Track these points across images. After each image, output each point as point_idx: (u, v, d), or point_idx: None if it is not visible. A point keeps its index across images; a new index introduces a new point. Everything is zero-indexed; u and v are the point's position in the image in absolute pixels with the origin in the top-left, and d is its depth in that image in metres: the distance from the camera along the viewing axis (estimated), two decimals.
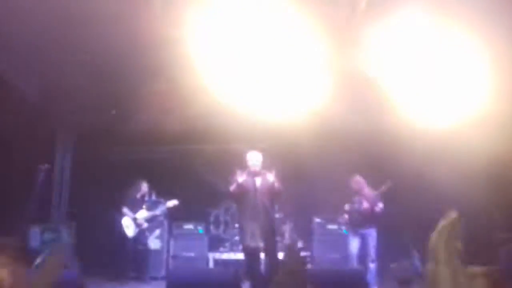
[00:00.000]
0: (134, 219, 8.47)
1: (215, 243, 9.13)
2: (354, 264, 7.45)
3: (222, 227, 9.30)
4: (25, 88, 7.63)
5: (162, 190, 9.16)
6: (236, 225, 8.42)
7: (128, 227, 8.43)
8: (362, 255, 7.44)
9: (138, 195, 8.63)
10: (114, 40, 6.37)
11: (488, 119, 6.34)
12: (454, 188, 7.29)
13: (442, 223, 1.97)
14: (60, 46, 6.61)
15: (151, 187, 8.68)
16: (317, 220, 8.89)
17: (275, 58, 6.46)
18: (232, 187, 6.65)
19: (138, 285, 8.03)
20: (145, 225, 8.51)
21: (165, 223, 9.09)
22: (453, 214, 2.01)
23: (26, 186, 7.76)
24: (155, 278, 8.34)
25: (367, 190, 7.59)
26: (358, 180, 7.67)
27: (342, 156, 8.20)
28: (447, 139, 6.77)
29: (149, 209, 8.58)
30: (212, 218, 9.37)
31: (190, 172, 8.59)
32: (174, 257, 8.84)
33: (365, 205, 7.45)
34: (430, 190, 7.88)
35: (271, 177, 6.64)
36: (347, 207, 7.69)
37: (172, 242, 8.98)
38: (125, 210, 8.48)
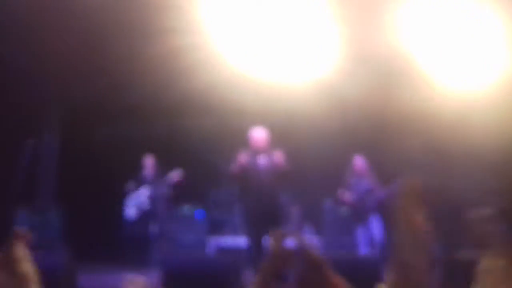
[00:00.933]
0: (138, 200, 8.29)
1: (215, 226, 8.94)
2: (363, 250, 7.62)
3: (222, 209, 9.07)
4: (10, 60, 7.33)
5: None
6: (238, 207, 8.12)
7: (130, 208, 8.25)
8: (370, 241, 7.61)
9: (144, 172, 8.38)
10: (105, 9, 6.19)
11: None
12: (467, 169, 7.39)
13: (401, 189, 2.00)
14: (50, 16, 6.40)
15: (158, 162, 8.39)
16: (328, 202, 8.56)
17: (277, 30, 6.49)
18: (233, 168, 6.44)
19: (133, 271, 7.69)
20: (148, 206, 8.27)
21: (163, 204, 8.73)
22: (413, 179, 2.03)
23: (12, 164, 7.49)
24: (150, 264, 8.06)
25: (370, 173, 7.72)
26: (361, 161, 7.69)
27: (352, 134, 8.04)
28: (463, 115, 6.81)
29: (154, 187, 8.28)
30: (212, 199, 9.15)
31: (188, 150, 8.41)
32: (171, 240, 8.54)
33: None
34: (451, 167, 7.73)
35: (277, 156, 6.41)
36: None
37: (169, 225, 8.67)
38: (130, 186, 8.26)
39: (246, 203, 6.67)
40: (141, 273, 7.20)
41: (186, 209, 8.86)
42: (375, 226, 7.55)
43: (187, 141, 7.92)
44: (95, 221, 8.23)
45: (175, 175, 8.10)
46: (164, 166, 8.28)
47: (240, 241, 7.66)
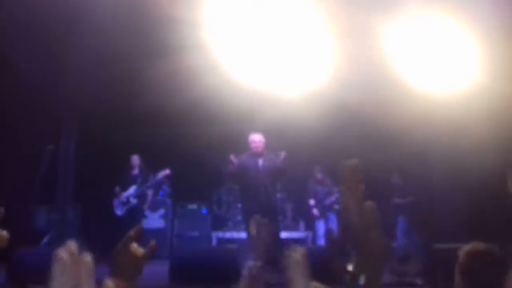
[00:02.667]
0: (124, 197, 8.27)
1: (218, 223, 9.23)
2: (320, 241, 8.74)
3: (224, 207, 9.35)
4: (30, 70, 7.62)
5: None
6: (239, 205, 8.56)
7: (117, 206, 8.26)
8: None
9: (133, 172, 8.41)
10: (119, 21, 6.40)
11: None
12: (457, 169, 7.48)
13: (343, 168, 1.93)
14: (66, 28, 6.62)
15: (143, 161, 8.47)
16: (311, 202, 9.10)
17: (277, 40, 6.67)
18: (229, 168, 6.74)
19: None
20: (134, 201, 8.25)
21: (169, 203, 9.19)
22: (353, 163, 1.94)
23: (32, 167, 7.87)
24: (159, 257, 8.43)
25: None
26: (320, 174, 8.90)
27: (345, 138, 8.24)
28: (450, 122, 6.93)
29: (140, 184, 8.30)
30: (214, 198, 9.43)
31: (193, 154, 8.62)
32: (178, 236, 8.95)
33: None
34: (432, 171, 8.04)
35: (278, 157, 6.72)
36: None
37: (176, 222, 9.08)
38: (117, 189, 8.30)
39: (246, 201, 6.95)
40: (151, 264, 7.77)
41: (192, 207, 9.22)
42: (332, 222, 8.78)
43: (193, 146, 8.11)
44: (107, 218, 8.41)
45: (162, 173, 8.19)
46: (150, 165, 8.44)
47: (241, 235, 8.07)
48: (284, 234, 8.25)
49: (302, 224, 9.12)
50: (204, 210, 9.25)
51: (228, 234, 8.89)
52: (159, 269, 6.65)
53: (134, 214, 8.14)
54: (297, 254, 1.57)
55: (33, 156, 7.98)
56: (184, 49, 6.49)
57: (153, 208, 9.07)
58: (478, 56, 6.61)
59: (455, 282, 2.44)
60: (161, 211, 9.07)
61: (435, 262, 5.62)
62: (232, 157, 6.67)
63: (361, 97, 7.32)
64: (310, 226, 8.99)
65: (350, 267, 1.48)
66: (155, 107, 7.34)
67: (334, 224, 8.83)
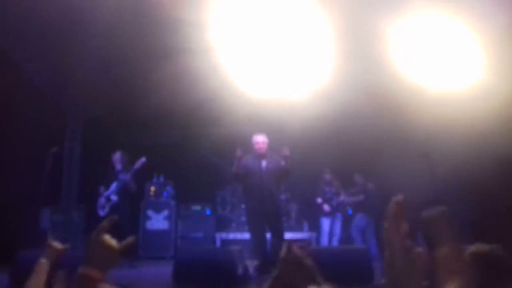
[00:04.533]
0: (104, 197, 8.10)
1: (222, 224, 9.27)
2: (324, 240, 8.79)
3: (228, 208, 9.38)
4: (35, 73, 7.75)
5: (170, 173, 9.32)
6: (243, 206, 8.59)
7: (99, 206, 8.07)
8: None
9: (116, 169, 8.18)
10: (123, 23, 6.46)
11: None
12: (462, 169, 7.58)
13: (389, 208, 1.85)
14: (70, 30, 6.67)
15: (126, 158, 8.20)
16: (319, 200, 9.14)
17: (280, 42, 6.74)
18: (233, 168, 6.76)
19: (147, 265, 8.16)
20: (115, 198, 8.02)
21: (173, 204, 9.22)
22: (398, 198, 1.87)
23: (37, 169, 7.89)
24: (163, 258, 8.49)
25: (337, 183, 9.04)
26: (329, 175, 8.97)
27: (348, 139, 8.33)
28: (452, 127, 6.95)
29: (119, 181, 8.06)
30: (218, 199, 9.45)
31: (197, 155, 8.66)
32: (182, 237, 8.99)
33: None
34: (437, 172, 7.96)
35: (280, 156, 6.73)
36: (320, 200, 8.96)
37: (180, 223, 9.11)
38: (101, 188, 8.12)
39: (250, 203, 6.94)
40: (155, 265, 7.76)
41: (196, 208, 9.21)
42: (338, 222, 8.89)
43: (197, 148, 8.16)
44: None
45: (138, 162, 7.92)
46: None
47: (245, 236, 8.11)
48: (288, 235, 8.25)
49: (306, 225, 9.13)
50: (208, 211, 9.26)
51: (232, 235, 8.91)
52: (163, 270, 6.70)
53: (115, 211, 7.86)
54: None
55: (38, 158, 7.99)
56: (187, 52, 6.54)
57: (157, 209, 9.10)
58: (483, 55, 6.63)
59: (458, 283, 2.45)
60: (165, 212, 9.08)
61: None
62: (239, 151, 6.66)
63: (365, 98, 7.38)
64: (314, 227, 8.98)
65: None
66: (160, 109, 7.36)
67: (339, 224, 8.90)
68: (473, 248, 2.47)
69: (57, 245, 2.94)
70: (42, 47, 7.11)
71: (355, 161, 8.63)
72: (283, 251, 2.17)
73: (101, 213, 8.08)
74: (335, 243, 8.75)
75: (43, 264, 2.80)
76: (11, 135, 7.73)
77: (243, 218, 8.62)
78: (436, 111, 6.97)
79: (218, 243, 8.81)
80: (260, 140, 6.90)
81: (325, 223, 8.88)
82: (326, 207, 8.83)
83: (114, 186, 8.10)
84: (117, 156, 8.21)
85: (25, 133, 7.98)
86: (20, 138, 7.93)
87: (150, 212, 9.06)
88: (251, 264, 6.75)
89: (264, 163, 6.85)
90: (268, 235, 6.93)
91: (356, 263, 6.00)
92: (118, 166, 8.19)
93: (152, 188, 9.23)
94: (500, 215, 7.24)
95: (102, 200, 8.14)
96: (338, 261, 5.29)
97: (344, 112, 7.75)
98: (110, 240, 1.81)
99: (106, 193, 8.14)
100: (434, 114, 7.03)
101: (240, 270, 5.89)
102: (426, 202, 8.17)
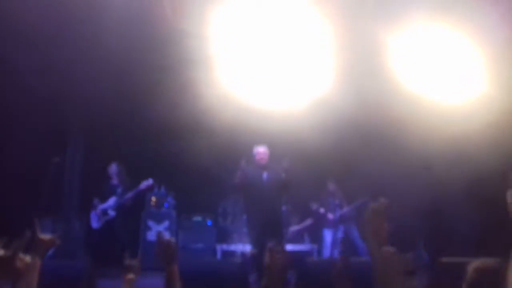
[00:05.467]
0: (100, 209, 8.10)
1: (223, 235, 9.22)
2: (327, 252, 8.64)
3: (230, 219, 9.33)
4: (38, 83, 7.61)
5: (172, 184, 9.32)
6: (244, 217, 8.47)
7: (93, 219, 8.10)
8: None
9: (112, 182, 8.24)
10: (126, 34, 6.51)
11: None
12: (465, 180, 7.55)
13: (368, 210, 1.90)
14: (72, 40, 6.70)
15: (122, 169, 8.28)
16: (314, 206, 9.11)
17: (280, 52, 6.83)
18: (236, 179, 6.80)
19: (148, 276, 8.11)
20: (113, 213, 8.04)
21: (174, 215, 9.20)
22: (380, 200, 1.94)
23: (38, 179, 7.90)
24: (163, 269, 8.41)
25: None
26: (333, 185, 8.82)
27: (349, 149, 8.31)
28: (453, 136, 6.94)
29: (120, 195, 8.05)
30: (220, 210, 9.42)
31: (199, 166, 8.64)
32: (183, 248, 8.92)
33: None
34: (436, 182, 8.11)
35: (280, 168, 6.78)
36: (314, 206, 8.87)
37: (180, 234, 9.07)
38: (95, 201, 8.16)
39: (251, 213, 7.02)
40: (155, 276, 7.71)
41: (197, 219, 9.20)
42: (340, 234, 8.64)
43: (198, 159, 8.18)
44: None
45: (144, 184, 7.96)
46: (131, 175, 8.28)
47: (246, 248, 7.96)
48: (289, 247, 8.22)
49: (306, 237, 9.09)
50: (209, 222, 9.25)
51: (233, 247, 8.87)
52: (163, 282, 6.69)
53: (112, 226, 7.96)
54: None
55: (39, 168, 8.01)
56: (189, 63, 6.59)
57: (158, 220, 9.07)
58: (484, 68, 6.66)
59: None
60: (166, 223, 9.05)
61: (441, 276, 5.55)
62: (243, 162, 6.70)
63: (365, 107, 7.40)
64: (315, 239, 8.93)
65: None
66: (161, 120, 7.39)
67: (341, 236, 8.77)
68: (478, 263, 2.47)
69: (45, 237, 2.77)
70: (45, 56, 7.10)
71: (356, 171, 8.60)
72: (267, 258, 2.22)
73: (95, 225, 8.07)
74: (337, 255, 8.57)
75: (33, 261, 2.62)
76: (13, 144, 7.73)
77: (244, 229, 8.59)
78: (436, 123, 7.00)
79: (219, 255, 8.78)
80: (261, 151, 6.96)
81: (327, 234, 8.74)
82: (330, 216, 8.67)
83: (112, 201, 8.08)
84: (113, 169, 8.22)
85: (26, 143, 7.98)
86: (22, 148, 7.93)
87: (150, 223, 9.04)
88: (252, 276, 6.69)
89: (265, 174, 6.89)
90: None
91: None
92: (115, 179, 8.19)
93: (153, 199, 9.21)
94: (506, 224, 7.21)
95: (98, 213, 8.11)
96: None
97: (344, 122, 7.76)
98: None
99: (103, 206, 8.12)
100: (434, 126, 7.03)
101: (240, 282, 5.91)
102: (425, 212, 8.25)
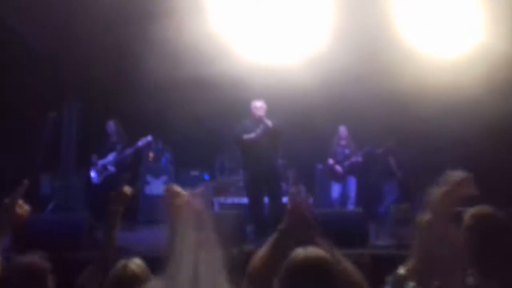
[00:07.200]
0: (100, 165, 8.15)
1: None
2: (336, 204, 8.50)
3: (227, 173, 9.38)
4: (33, 38, 7.72)
5: (170, 138, 9.37)
6: (241, 171, 8.57)
7: (94, 175, 8.13)
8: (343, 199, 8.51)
9: (111, 139, 8.25)
10: None
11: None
12: (459, 136, 7.70)
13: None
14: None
15: (120, 127, 8.30)
16: (319, 166, 9.18)
17: (276, 5, 6.78)
18: (246, 137, 6.85)
19: (146, 228, 8.27)
20: (113, 169, 8.08)
21: (172, 169, 9.26)
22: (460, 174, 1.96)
23: (36, 134, 7.93)
24: (162, 222, 8.53)
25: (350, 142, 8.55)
26: (344, 131, 8.50)
27: (346, 104, 8.30)
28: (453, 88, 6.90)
29: (119, 152, 8.10)
30: (217, 165, 9.47)
31: (196, 120, 8.67)
32: None
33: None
34: (435, 137, 8.20)
35: (268, 121, 6.84)
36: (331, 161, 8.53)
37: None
38: (93, 157, 8.19)
39: (248, 167, 7.08)
40: (155, 228, 7.87)
41: (194, 173, 9.27)
42: (351, 185, 8.47)
43: (195, 113, 8.14)
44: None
45: (143, 140, 7.98)
46: (128, 131, 8.29)
47: (243, 201, 8.16)
48: (285, 199, 8.34)
49: (303, 190, 9.17)
50: (206, 177, 9.32)
51: (230, 200, 8.95)
52: (163, 234, 6.81)
53: (112, 182, 7.92)
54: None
55: (37, 123, 8.01)
56: (186, 14, 6.49)
57: (156, 175, 9.13)
58: (482, 17, 6.59)
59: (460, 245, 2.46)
60: (164, 177, 9.12)
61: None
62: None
63: (361, 62, 7.36)
64: (311, 191, 9.00)
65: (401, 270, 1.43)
66: (158, 75, 7.34)
67: (353, 187, 8.51)
68: (475, 210, 2.50)
69: (20, 209, 2.34)
70: (40, 11, 7.04)
71: (352, 126, 8.64)
72: (289, 202, 2.17)
73: (95, 181, 8.12)
74: (350, 206, 8.35)
75: None
76: (10, 101, 7.70)
77: (241, 183, 8.69)
78: (433, 75, 6.94)
79: (216, 208, 8.82)
80: (259, 105, 6.97)
81: (336, 189, 8.54)
82: (338, 168, 8.45)
83: (112, 156, 8.12)
84: (110, 127, 8.23)
85: (23, 98, 7.96)
86: (19, 104, 7.91)
87: (149, 177, 9.11)
88: (249, 228, 6.86)
89: (261, 128, 6.88)
90: (266, 199, 7.04)
91: (350, 226, 6.16)
92: (114, 137, 8.20)
93: (151, 154, 9.26)
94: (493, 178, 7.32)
95: (98, 169, 8.16)
96: (332, 224, 5.40)
97: (340, 77, 7.73)
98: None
99: (103, 162, 8.15)
100: (431, 78, 7.01)
101: (237, 234, 5.99)
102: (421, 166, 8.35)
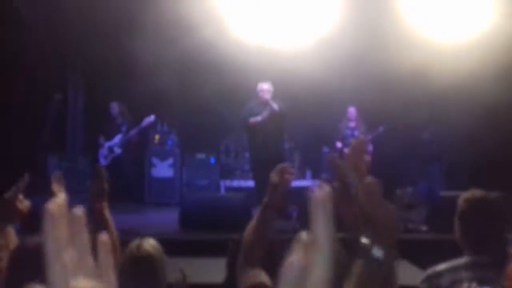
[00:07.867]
0: (107, 147, 8.20)
1: (226, 172, 9.34)
2: None
3: (232, 156, 9.43)
4: (37, 18, 7.63)
5: (176, 121, 9.35)
6: (246, 154, 8.67)
7: (101, 157, 8.16)
8: None
9: (116, 121, 8.28)
10: None
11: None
12: (461, 123, 7.66)
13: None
14: None
15: (124, 108, 8.36)
16: (326, 149, 9.12)
17: None
18: (254, 120, 6.86)
19: (153, 211, 8.32)
20: (119, 151, 8.15)
21: (178, 152, 9.29)
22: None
23: (42, 116, 7.93)
24: (168, 204, 8.60)
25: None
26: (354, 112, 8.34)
27: (352, 87, 8.24)
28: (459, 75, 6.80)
29: (125, 133, 8.16)
30: (222, 148, 9.51)
31: (202, 103, 8.66)
32: (187, 185, 9.09)
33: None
34: (437, 123, 8.26)
35: (274, 104, 6.84)
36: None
37: (184, 171, 9.18)
38: (100, 139, 8.23)
39: (254, 150, 7.15)
40: (162, 211, 7.93)
41: (200, 156, 9.27)
42: None
43: (201, 95, 8.14)
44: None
45: (146, 120, 8.01)
46: (134, 114, 8.35)
47: (249, 184, 8.18)
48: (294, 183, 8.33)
49: (309, 173, 9.19)
50: (212, 160, 9.34)
51: (236, 183, 9.00)
52: (170, 216, 6.88)
53: (119, 163, 8.06)
54: (321, 192, 1.50)
55: (42, 105, 8.01)
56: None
57: (162, 157, 9.15)
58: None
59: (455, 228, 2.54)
60: (170, 160, 9.15)
61: (439, 209, 5.74)
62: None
63: (370, 45, 7.33)
64: (317, 175, 9.01)
65: (363, 240, 1.41)
66: (163, 56, 7.32)
67: None
68: (468, 194, 2.52)
69: (22, 205, 2.36)
70: None
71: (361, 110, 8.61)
72: (274, 175, 2.16)
73: (103, 162, 8.12)
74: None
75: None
76: (13, 82, 7.69)
77: (247, 166, 8.69)
78: (442, 58, 6.89)
79: (222, 191, 8.90)
80: (265, 88, 6.95)
81: None
82: (347, 151, 8.40)
83: (118, 138, 8.17)
84: (114, 108, 8.26)
85: (26, 80, 7.95)
86: (22, 85, 7.90)
87: (155, 160, 9.14)
88: (255, 211, 6.88)
89: (267, 110, 6.89)
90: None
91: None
92: (119, 119, 8.24)
93: (157, 136, 9.28)
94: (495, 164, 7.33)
95: (104, 151, 8.20)
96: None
97: (348, 60, 7.70)
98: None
99: (109, 144, 8.19)
100: (440, 62, 6.95)
101: (243, 216, 5.80)
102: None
